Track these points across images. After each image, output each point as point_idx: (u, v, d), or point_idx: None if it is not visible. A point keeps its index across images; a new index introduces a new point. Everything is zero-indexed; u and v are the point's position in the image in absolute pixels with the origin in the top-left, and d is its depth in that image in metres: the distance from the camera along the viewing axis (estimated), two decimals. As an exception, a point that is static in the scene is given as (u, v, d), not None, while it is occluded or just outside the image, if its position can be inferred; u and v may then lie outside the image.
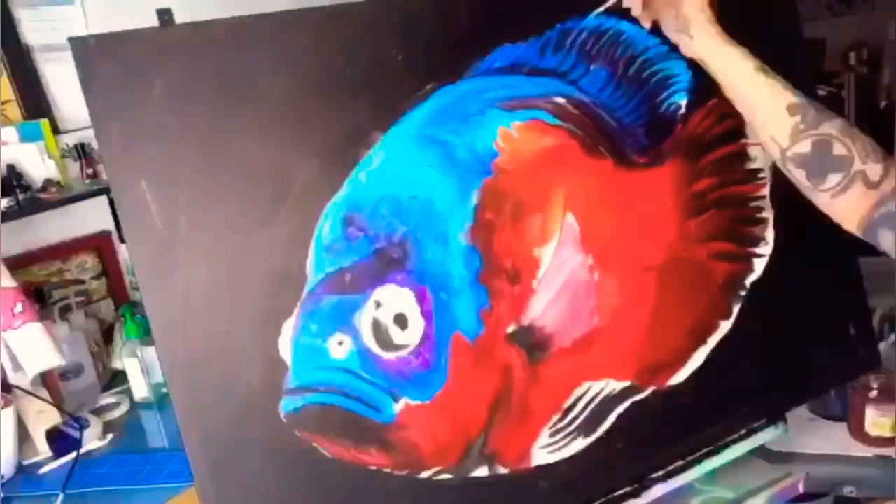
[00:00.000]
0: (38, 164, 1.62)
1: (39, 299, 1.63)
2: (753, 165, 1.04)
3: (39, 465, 1.33)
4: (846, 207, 0.76)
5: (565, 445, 0.93)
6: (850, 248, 1.14)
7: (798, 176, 0.79)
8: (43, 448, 1.36)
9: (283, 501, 0.82)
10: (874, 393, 1.15)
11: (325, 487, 0.82)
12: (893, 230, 0.73)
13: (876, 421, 1.15)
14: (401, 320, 0.82)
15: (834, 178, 0.76)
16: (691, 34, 0.86)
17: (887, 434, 1.14)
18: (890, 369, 1.17)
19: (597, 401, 0.94)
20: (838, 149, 0.75)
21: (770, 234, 1.05)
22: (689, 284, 1.00)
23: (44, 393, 1.38)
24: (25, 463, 1.34)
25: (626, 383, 0.96)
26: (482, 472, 0.88)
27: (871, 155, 0.75)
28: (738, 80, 0.83)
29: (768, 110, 0.80)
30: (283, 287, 0.80)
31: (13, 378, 1.32)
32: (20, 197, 1.54)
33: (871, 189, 0.74)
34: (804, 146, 0.77)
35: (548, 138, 0.92)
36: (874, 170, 0.74)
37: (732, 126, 1.01)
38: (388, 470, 0.84)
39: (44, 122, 1.67)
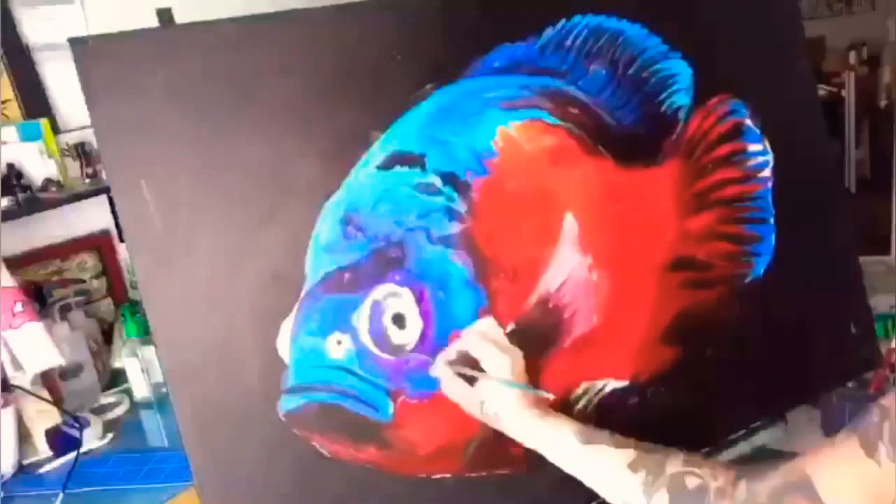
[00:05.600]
0: (38, 163, 1.62)
1: (39, 299, 1.63)
2: (754, 165, 1.04)
3: (39, 464, 1.33)
4: None
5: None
6: (850, 248, 1.14)
7: None
8: (43, 448, 1.36)
9: (283, 500, 0.82)
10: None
11: (323, 486, 0.82)
12: None
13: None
14: (399, 320, 0.82)
15: None
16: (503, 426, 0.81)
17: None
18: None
19: (596, 401, 0.94)
20: (690, 481, 0.71)
21: (770, 233, 1.05)
22: (689, 284, 1.00)
23: (44, 393, 1.38)
24: (25, 462, 1.34)
25: (626, 383, 0.96)
26: (480, 471, 0.88)
27: (716, 469, 0.71)
28: (565, 459, 0.78)
29: (610, 478, 0.75)
30: (281, 287, 0.80)
31: (13, 378, 1.32)
32: (20, 196, 1.54)
33: (730, 501, 0.68)
34: (661, 497, 0.71)
35: (547, 138, 0.92)
36: (726, 479, 0.69)
37: (733, 125, 1.01)
38: (386, 468, 0.84)
39: (44, 122, 1.67)
